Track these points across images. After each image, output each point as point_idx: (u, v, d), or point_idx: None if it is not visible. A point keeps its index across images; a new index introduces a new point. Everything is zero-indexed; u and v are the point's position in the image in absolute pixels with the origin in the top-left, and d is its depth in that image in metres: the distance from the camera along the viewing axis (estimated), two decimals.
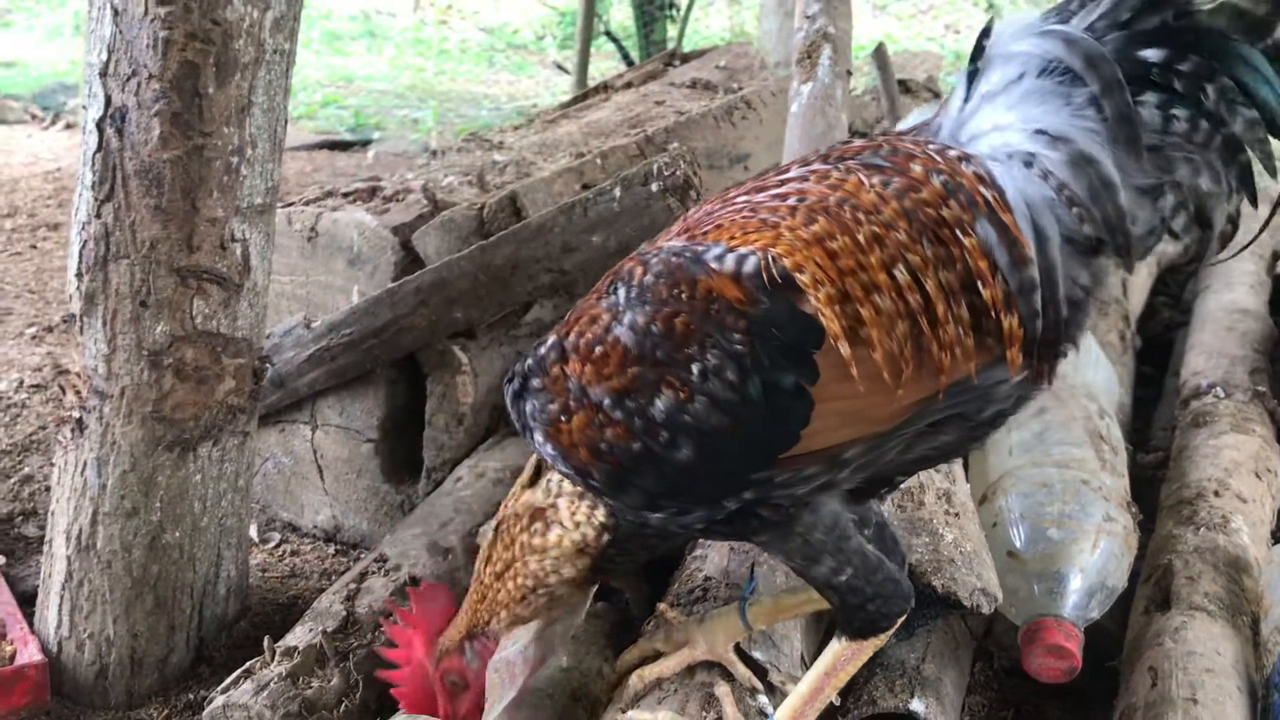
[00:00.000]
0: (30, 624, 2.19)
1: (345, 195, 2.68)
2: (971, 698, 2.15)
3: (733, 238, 1.44)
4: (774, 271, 1.39)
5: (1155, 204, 1.42)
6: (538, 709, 1.86)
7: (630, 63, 7.35)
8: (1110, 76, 1.36)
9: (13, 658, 2.13)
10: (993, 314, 1.39)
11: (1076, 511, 2.02)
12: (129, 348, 2.04)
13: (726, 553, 1.96)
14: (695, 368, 1.39)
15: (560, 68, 10.20)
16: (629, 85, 3.93)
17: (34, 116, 7.40)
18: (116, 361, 2.05)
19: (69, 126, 7.05)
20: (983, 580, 1.85)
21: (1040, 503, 2.05)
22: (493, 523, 1.75)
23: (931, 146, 1.46)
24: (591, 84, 4.74)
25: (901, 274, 1.39)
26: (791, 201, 1.45)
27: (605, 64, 9.08)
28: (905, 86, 4.62)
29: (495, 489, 2.38)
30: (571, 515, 1.63)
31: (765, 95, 3.56)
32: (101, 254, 2.01)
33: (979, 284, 1.38)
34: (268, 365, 2.30)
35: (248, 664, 1.99)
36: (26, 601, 2.26)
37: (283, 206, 2.63)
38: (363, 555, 2.63)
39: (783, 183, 1.50)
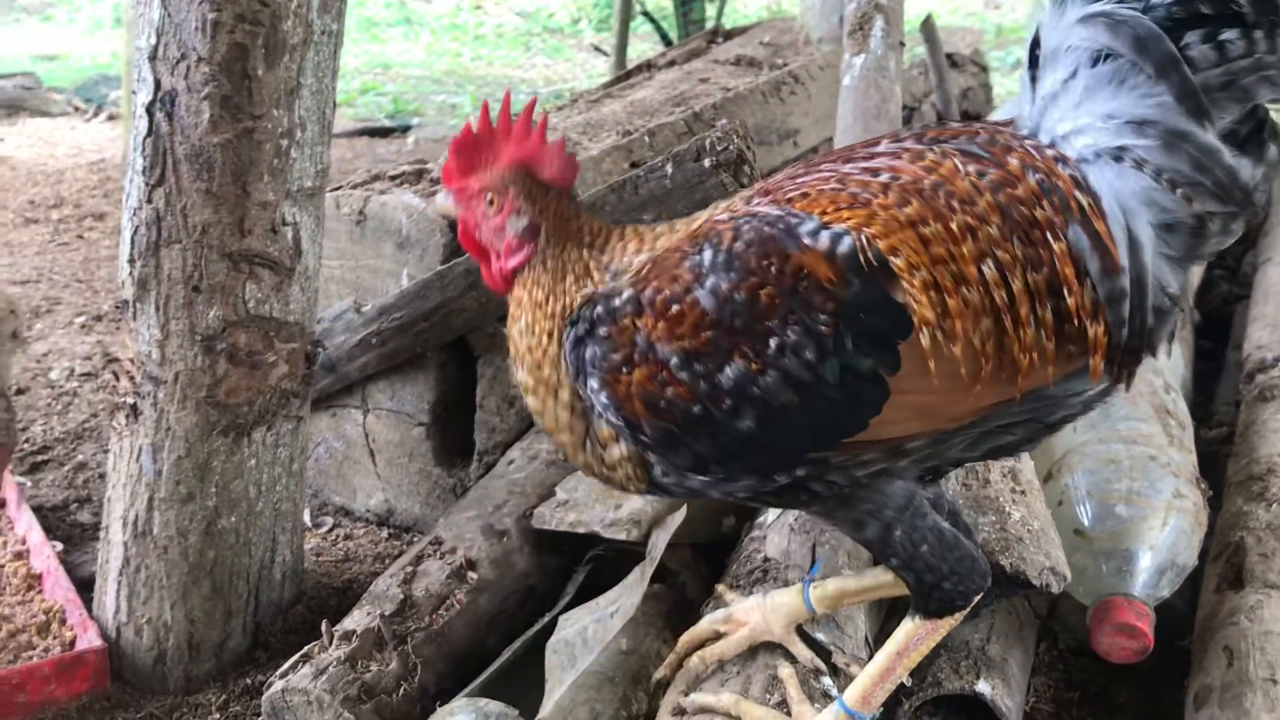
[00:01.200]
0: (89, 610, 2.20)
1: (392, 178, 2.67)
2: (1036, 678, 2.11)
3: (824, 212, 1.40)
4: (870, 254, 1.35)
5: (1258, 146, 1.36)
6: (599, 690, 1.84)
7: (669, 43, 7.29)
8: (1163, 57, 1.31)
9: (73, 643, 2.14)
10: (1077, 321, 1.35)
11: (1145, 488, 1.97)
12: (182, 333, 2.04)
13: (787, 534, 1.93)
14: (773, 342, 1.35)
15: (598, 50, 10.15)
16: (672, 64, 3.90)
17: (77, 109, 7.45)
18: (170, 347, 2.04)
19: (112, 118, 7.10)
20: (1051, 559, 1.81)
21: (1108, 479, 2.00)
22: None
23: (1029, 142, 1.41)
24: (629, 66, 4.71)
25: (990, 270, 1.35)
26: (884, 178, 1.41)
27: (643, 45, 9.03)
28: (951, 60, 4.55)
29: (548, 471, 2.37)
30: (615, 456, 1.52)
31: (813, 70, 3.51)
32: (153, 239, 2.00)
33: (1065, 290, 1.35)
34: (319, 349, 2.30)
35: (305, 648, 1.98)
36: (84, 588, 2.27)
37: (330, 191, 2.62)
38: (416, 539, 2.62)
39: (871, 156, 1.45)
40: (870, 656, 1.84)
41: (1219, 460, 2.48)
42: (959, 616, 1.56)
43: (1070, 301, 1.34)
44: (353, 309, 2.54)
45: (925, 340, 1.33)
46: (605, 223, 1.56)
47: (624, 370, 1.42)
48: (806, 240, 1.37)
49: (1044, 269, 1.35)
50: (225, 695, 2.14)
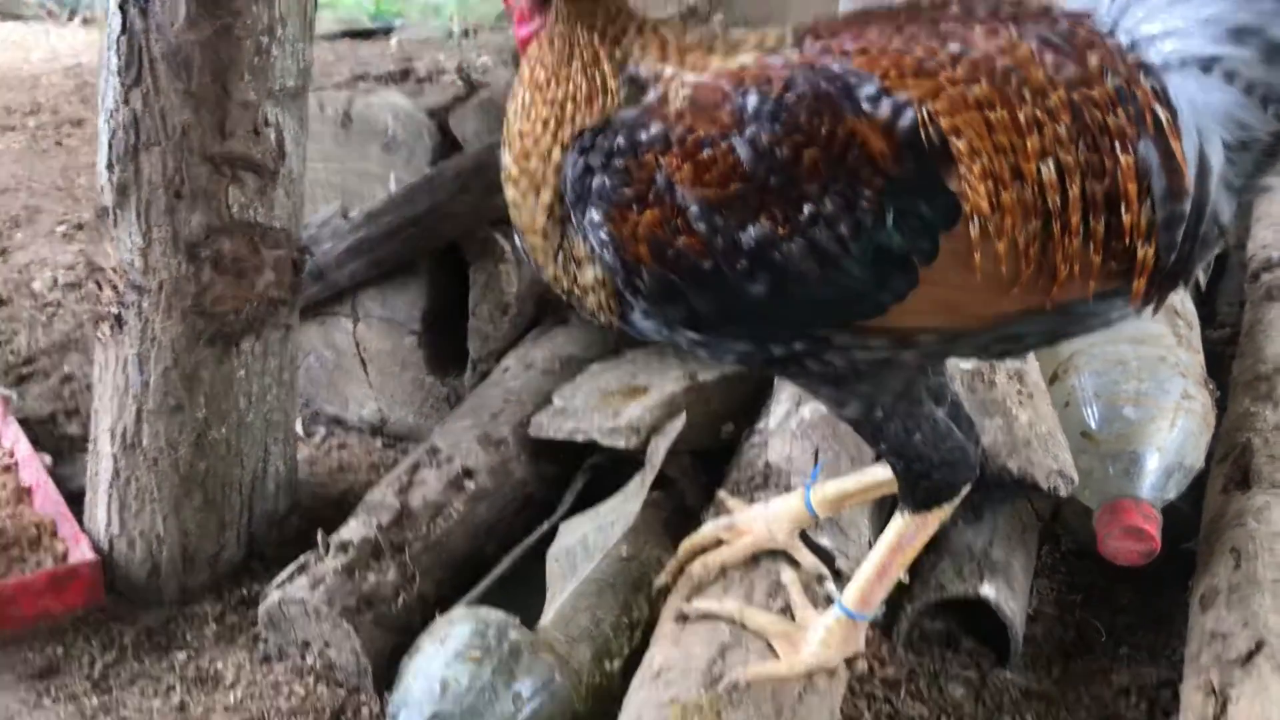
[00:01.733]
0: (80, 523, 2.17)
1: (378, 78, 2.59)
2: (1039, 581, 2.11)
3: (885, 75, 1.29)
4: (931, 132, 1.26)
5: None
6: (600, 597, 1.82)
7: None
8: None
9: (65, 556, 2.11)
10: (1128, 240, 1.28)
11: (1153, 389, 1.94)
12: (164, 240, 1.97)
13: (789, 439, 1.90)
14: (807, 209, 1.27)
15: None
16: None
17: (50, 13, 7.24)
18: (153, 255, 1.98)
19: (86, 22, 6.90)
20: (1059, 462, 1.78)
21: (1115, 381, 1.97)
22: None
23: (1111, 41, 1.31)
24: None
25: (1049, 170, 1.26)
26: (953, 49, 1.30)
27: None
28: None
29: (544, 379, 2.32)
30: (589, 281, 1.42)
31: None
32: (131, 143, 1.93)
33: (1123, 205, 1.27)
34: (307, 256, 2.24)
35: (301, 558, 1.96)
36: (74, 501, 2.23)
37: (313, 91, 2.53)
38: (410, 448, 2.59)
39: (939, 19, 1.34)
40: None
41: (1224, 361, 2.45)
42: (948, 509, 1.53)
43: (1126, 219, 1.28)
44: (340, 215, 2.48)
45: (973, 232, 1.27)
46: (629, 9, 1.41)
47: (635, 208, 1.31)
48: (865, 105, 1.27)
49: (1106, 180, 1.27)
50: (221, 606, 2.12)
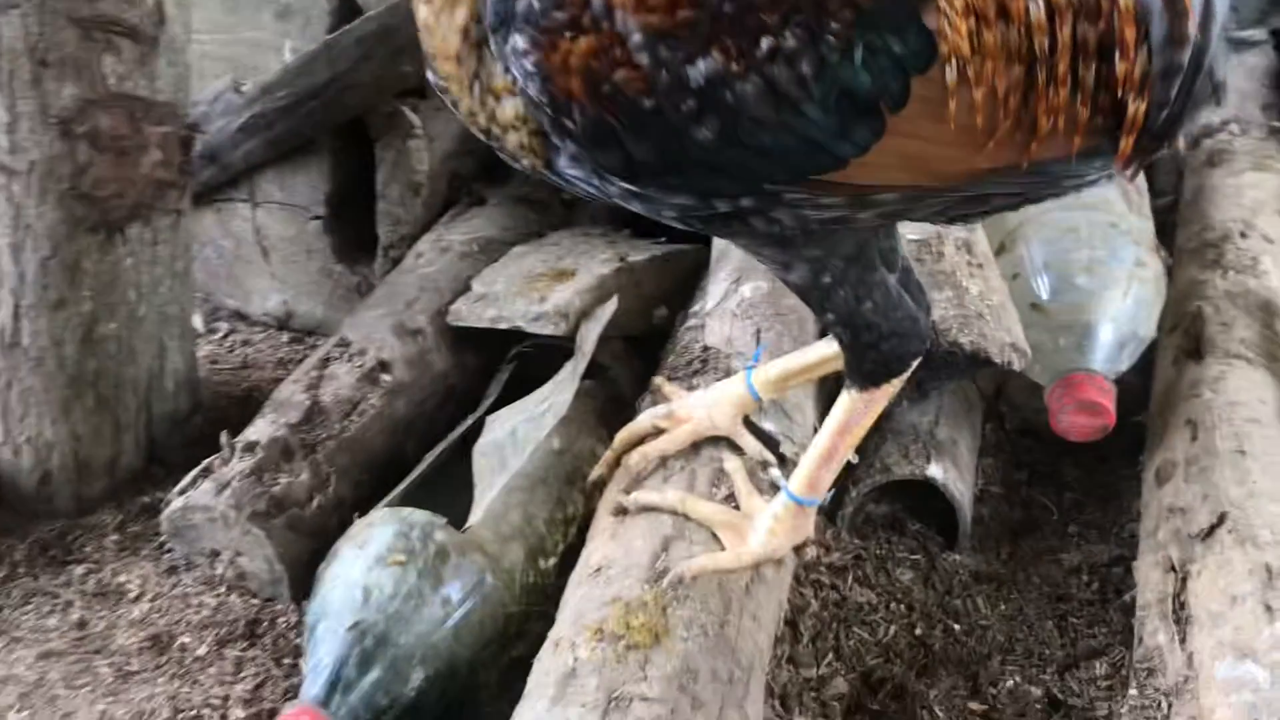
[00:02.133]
0: None
1: None
2: (984, 460, 2.04)
3: None
4: None
5: None
6: (532, 492, 1.71)
7: None
8: None
9: None
10: (1120, 91, 1.16)
11: (1106, 256, 1.85)
12: (33, 115, 1.77)
13: (729, 320, 1.78)
14: (765, 43, 1.12)
15: None
16: None
17: None
18: (20, 132, 1.78)
19: None
20: (1012, 335, 1.69)
21: (1067, 249, 1.87)
22: None
23: None
24: None
25: (1037, 10, 1.13)
26: None
27: None
28: None
29: (462, 264, 2.17)
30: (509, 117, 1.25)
31: None
32: None
33: (1118, 52, 1.15)
34: (196, 134, 2.04)
35: (206, 462, 1.81)
36: None
37: None
38: (319, 342, 2.43)
39: None
40: None
41: (1166, 229, 2.38)
42: (896, 384, 1.43)
43: (1120, 68, 1.15)
44: (231, 89, 2.28)
45: (949, 77, 1.13)
46: None
47: (567, 35, 1.13)
48: None
49: (1101, 23, 1.14)
50: (122, 515, 1.97)
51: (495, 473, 1.61)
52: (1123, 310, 1.81)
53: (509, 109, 1.23)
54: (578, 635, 1.38)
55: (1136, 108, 1.17)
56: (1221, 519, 1.53)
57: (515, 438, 1.63)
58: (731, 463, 1.59)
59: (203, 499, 1.74)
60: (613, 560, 1.48)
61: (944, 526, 1.90)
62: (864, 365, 1.39)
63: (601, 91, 1.13)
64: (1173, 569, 1.56)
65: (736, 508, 1.54)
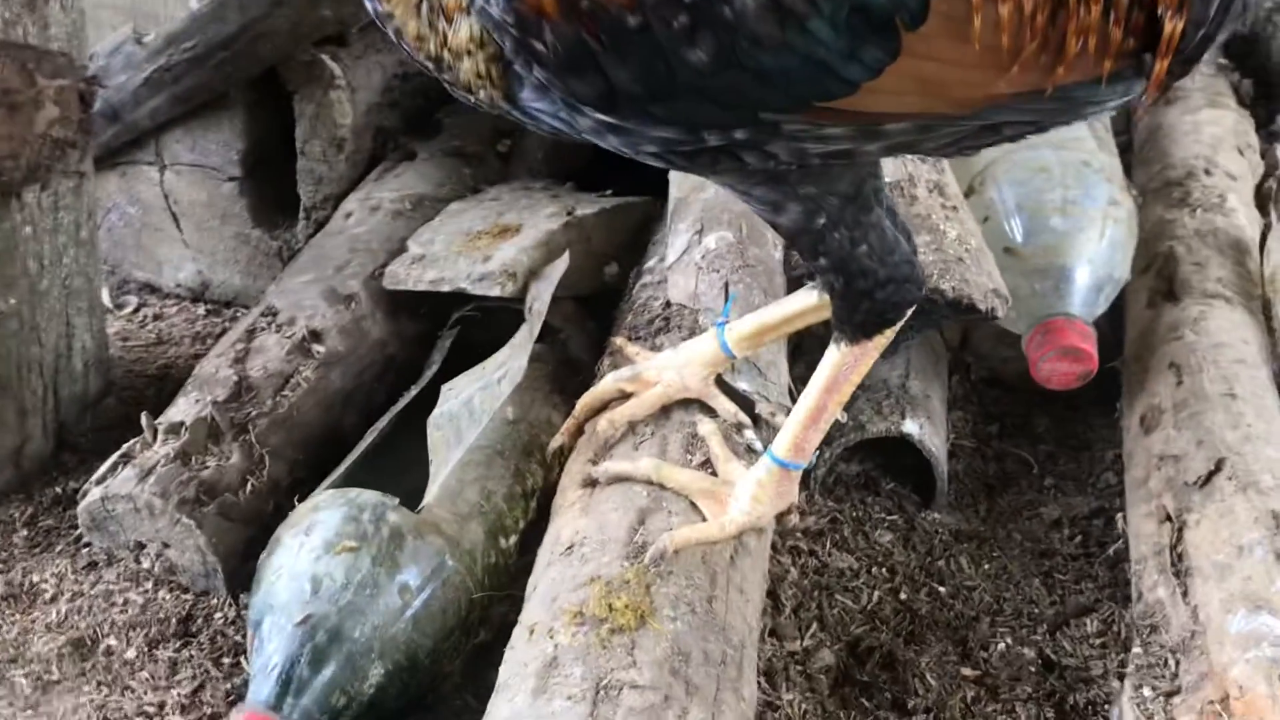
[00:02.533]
0: None
1: None
2: (953, 413, 1.96)
3: None
4: None
5: None
6: (489, 466, 1.58)
7: None
8: None
9: None
10: (1160, 9, 1.06)
11: (1080, 196, 1.77)
12: None
13: (694, 274, 1.67)
14: None
15: None
16: None
17: None
18: None
19: None
20: (994, 280, 1.61)
21: (1039, 189, 1.79)
22: None
23: None
24: None
25: None
26: None
27: None
28: None
29: (395, 223, 2.03)
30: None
31: None
32: None
33: None
34: (97, 88, 1.86)
35: (125, 447, 1.65)
36: None
37: None
38: (239, 314, 2.27)
39: None
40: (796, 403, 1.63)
41: (1124, 169, 2.31)
42: (890, 334, 1.33)
43: None
44: (132, 40, 2.09)
45: None
46: None
47: None
48: None
49: None
50: (32, 508, 1.80)
51: (451, 446, 1.48)
52: (1099, 252, 1.74)
53: (463, 30, 1.09)
54: (555, 620, 1.26)
55: (1174, 27, 1.07)
56: (1219, 465, 1.47)
57: (471, 407, 1.50)
58: (706, 426, 1.48)
59: (124, 487, 1.58)
60: (586, 536, 1.36)
61: (919, 484, 1.82)
62: (856, 315, 1.29)
63: (578, 7, 1.00)
64: (1168, 519, 1.50)
65: (713, 474, 1.44)
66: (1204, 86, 2.35)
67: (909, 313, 1.30)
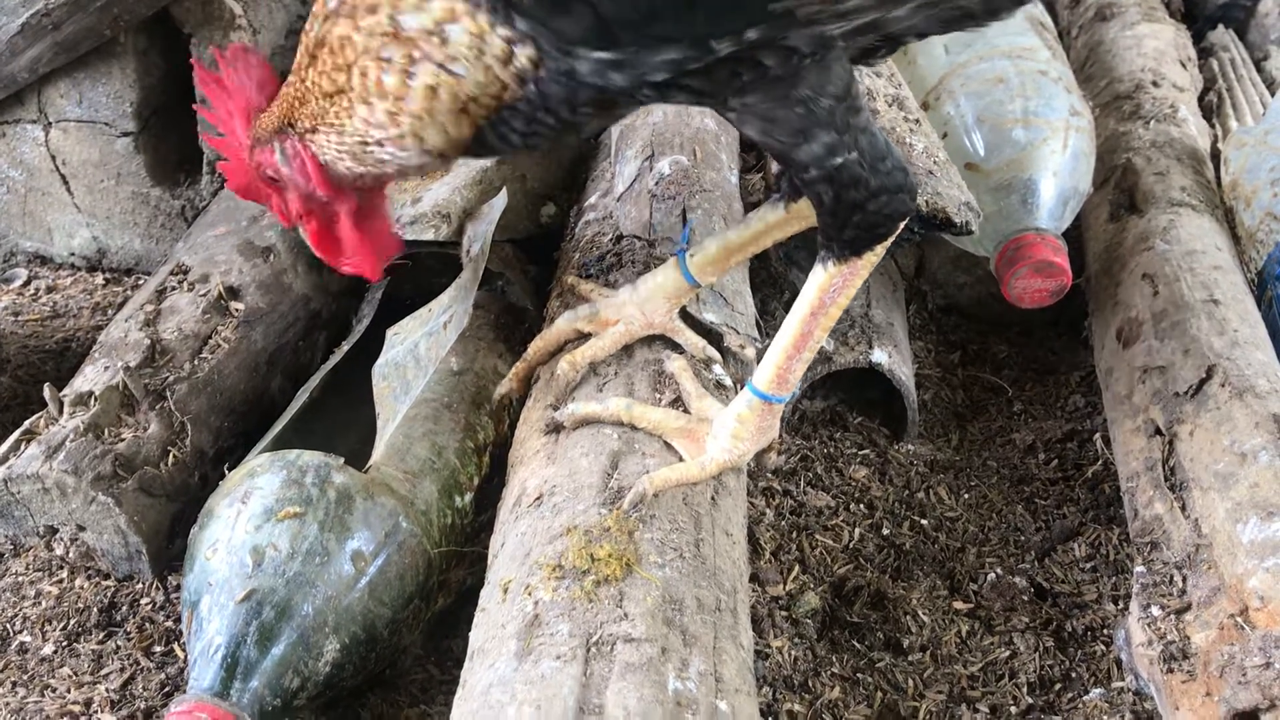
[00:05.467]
0: None
1: None
2: (914, 343, 1.88)
3: None
4: None
5: None
6: (437, 420, 1.46)
7: None
8: None
9: None
10: None
11: (1041, 106, 1.69)
12: None
13: (647, 202, 1.55)
14: None
15: None
16: None
17: None
18: None
19: None
20: (965, 193, 1.52)
21: (999, 101, 1.70)
22: None
23: None
24: None
25: None
26: None
27: None
28: None
29: None
30: (474, 49, 1.05)
31: None
32: None
33: None
34: None
35: (27, 423, 1.49)
36: None
37: None
38: (142, 281, 2.09)
39: None
40: (764, 337, 1.53)
41: None
42: (881, 250, 1.22)
43: None
44: None
45: None
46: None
47: None
48: None
49: None
50: None
51: (398, 397, 1.35)
52: (1063, 163, 1.66)
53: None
54: (532, 575, 1.15)
55: None
56: (1210, 372, 1.41)
57: (417, 355, 1.37)
58: (674, 363, 1.38)
59: (29, 467, 1.42)
60: (555, 485, 1.25)
61: (887, 416, 1.74)
62: (846, 230, 1.19)
63: None
64: (1158, 433, 1.43)
65: (686, 412, 1.33)
66: (1138, 2, 2.30)
67: (901, 226, 1.20)
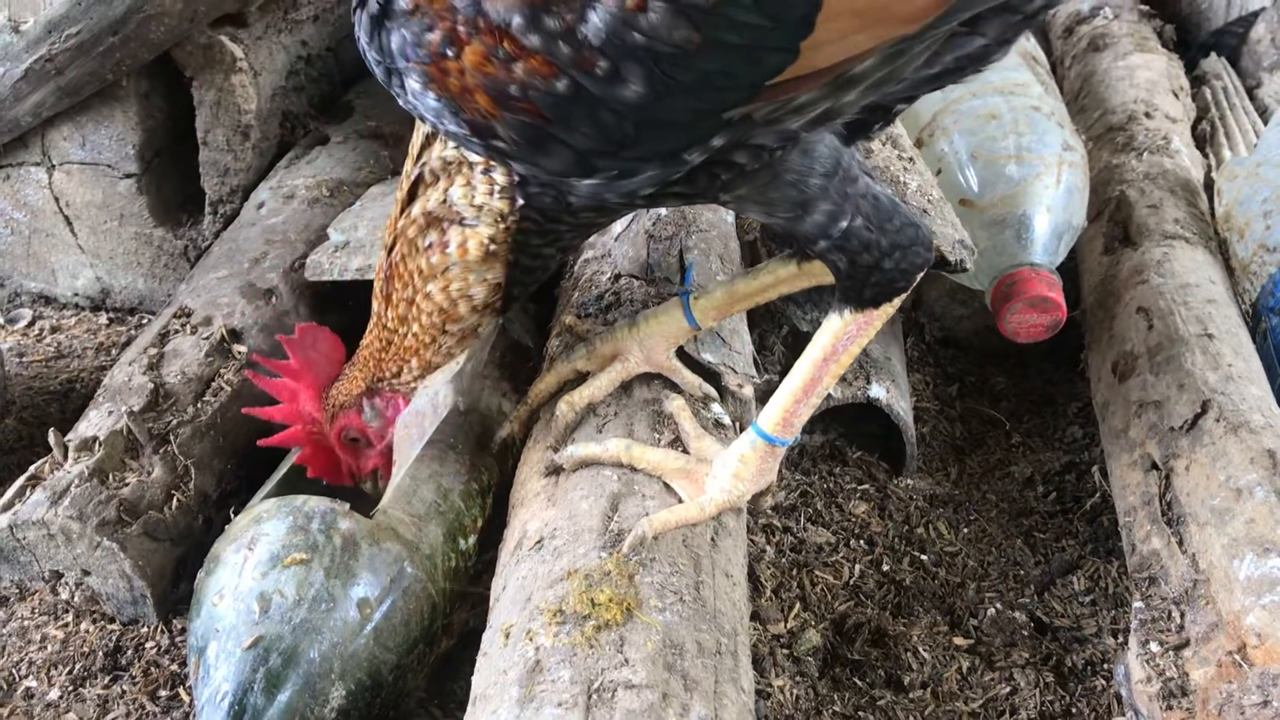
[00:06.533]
0: None
1: None
2: (912, 376, 1.89)
3: None
4: None
5: None
6: (442, 462, 1.47)
7: None
8: None
9: None
10: None
11: (1034, 142, 1.71)
12: None
13: (644, 243, 1.57)
14: None
15: None
16: None
17: None
18: None
19: None
20: (959, 231, 1.53)
21: (992, 137, 1.72)
22: None
23: None
24: None
25: None
26: None
27: None
28: None
29: (313, 211, 1.89)
30: (469, 199, 1.21)
31: None
32: None
33: None
34: None
35: (32, 469, 1.50)
36: None
37: None
38: (145, 320, 2.11)
39: None
40: (762, 375, 1.54)
41: None
42: (898, 302, 1.25)
43: None
44: (8, 28, 1.92)
45: None
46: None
47: (449, 53, 1.02)
48: None
49: None
50: None
51: (415, 444, 1.37)
52: (1057, 198, 1.68)
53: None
54: (533, 620, 1.16)
55: None
56: (1205, 407, 1.42)
57: (436, 402, 1.38)
58: (672, 402, 1.39)
59: (35, 513, 1.44)
60: (556, 528, 1.26)
61: (886, 450, 1.75)
62: (866, 290, 1.22)
63: (508, 94, 1.02)
64: (1154, 467, 1.44)
65: (685, 452, 1.34)
66: (1130, 32, 2.32)
67: (919, 277, 1.23)
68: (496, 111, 1.03)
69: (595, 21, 0.97)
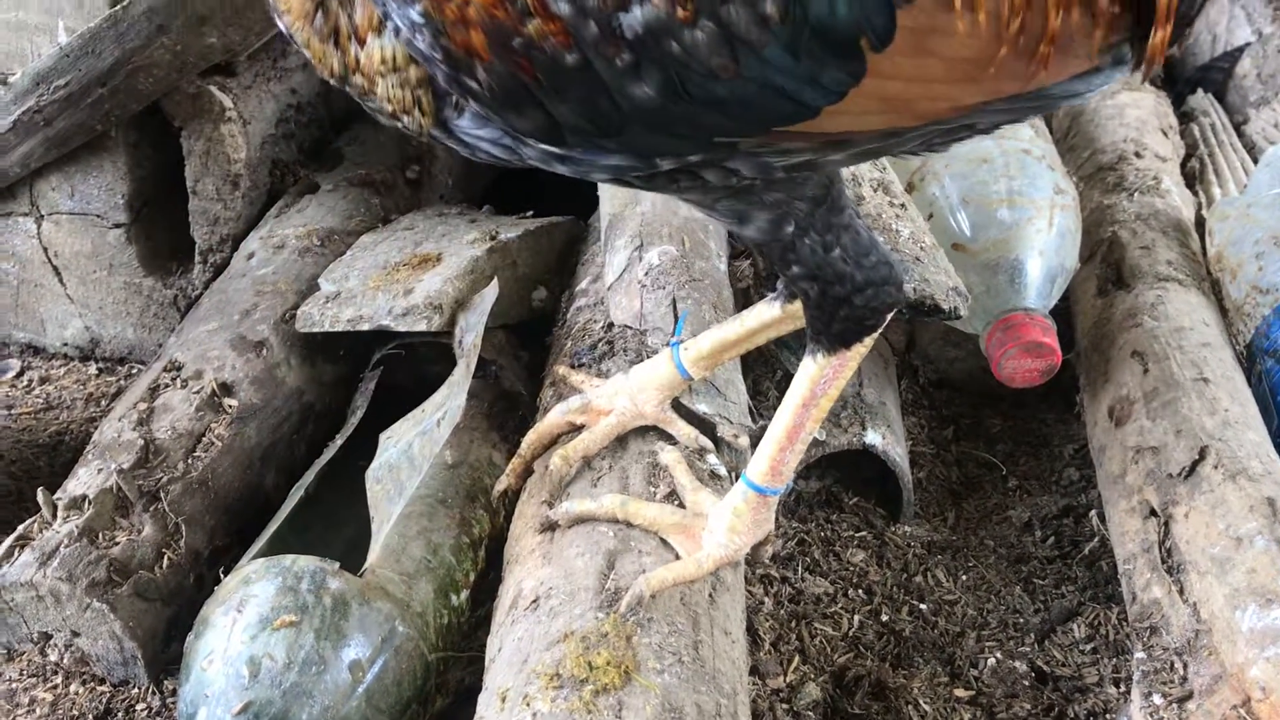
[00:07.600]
0: None
1: None
2: (907, 420, 1.88)
3: None
4: None
5: None
6: (432, 518, 1.45)
7: None
8: None
9: None
10: None
11: (1025, 186, 1.71)
12: None
13: (638, 292, 1.56)
14: None
15: None
16: None
17: None
18: None
19: None
20: (952, 277, 1.53)
21: (983, 181, 1.72)
22: None
23: None
24: None
25: None
26: None
27: None
28: None
29: (303, 261, 1.88)
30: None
31: None
32: None
33: None
34: None
35: (20, 528, 1.48)
36: None
37: None
38: (135, 371, 2.10)
39: None
40: (757, 422, 1.53)
41: None
42: (870, 341, 1.24)
43: None
44: None
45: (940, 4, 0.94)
46: None
47: None
48: None
49: None
50: None
51: (392, 500, 1.35)
52: (1049, 241, 1.67)
53: (378, 51, 0.99)
54: (529, 684, 1.14)
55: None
56: (1203, 454, 1.41)
57: (411, 455, 1.37)
58: (668, 455, 1.38)
59: (23, 574, 1.41)
60: (552, 587, 1.24)
61: (882, 495, 1.74)
62: (834, 324, 1.20)
63: (511, 47, 0.93)
64: (1153, 514, 1.43)
65: (681, 505, 1.33)
66: None
67: (890, 317, 1.22)
68: (486, 55, 0.94)
69: (637, 15, 0.91)
